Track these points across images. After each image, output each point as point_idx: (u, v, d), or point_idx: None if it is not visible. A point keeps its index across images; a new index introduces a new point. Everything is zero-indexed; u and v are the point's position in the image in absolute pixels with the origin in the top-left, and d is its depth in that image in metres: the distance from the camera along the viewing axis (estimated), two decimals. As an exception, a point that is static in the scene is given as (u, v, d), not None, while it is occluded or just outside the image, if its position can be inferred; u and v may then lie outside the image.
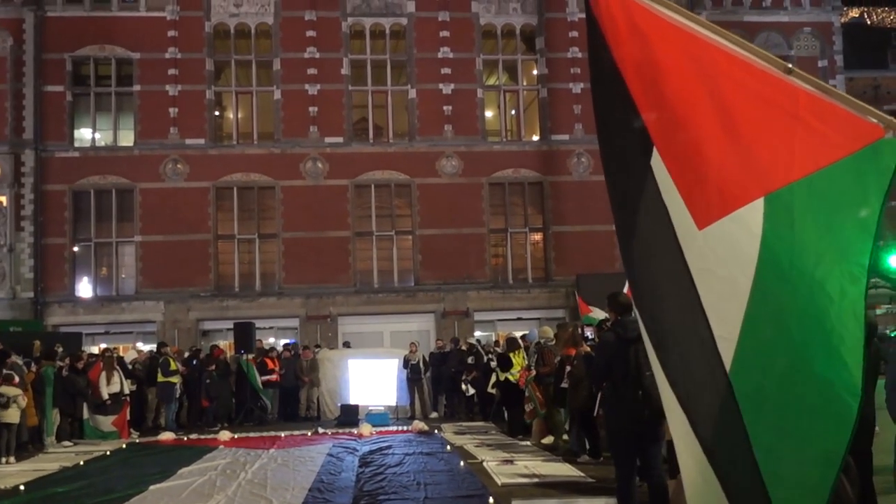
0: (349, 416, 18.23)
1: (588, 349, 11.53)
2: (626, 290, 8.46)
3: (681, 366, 3.30)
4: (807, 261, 2.75)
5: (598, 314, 16.87)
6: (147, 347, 23.56)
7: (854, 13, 38.38)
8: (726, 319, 2.99)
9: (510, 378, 15.79)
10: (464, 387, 19.26)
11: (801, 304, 2.76)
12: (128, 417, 17.48)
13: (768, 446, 2.89)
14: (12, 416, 14.10)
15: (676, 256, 3.22)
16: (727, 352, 3.01)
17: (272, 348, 21.62)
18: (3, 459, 13.86)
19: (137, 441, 16.65)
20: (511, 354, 16.22)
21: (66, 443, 16.25)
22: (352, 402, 18.88)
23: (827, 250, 2.69)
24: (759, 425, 2.91)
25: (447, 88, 27.87)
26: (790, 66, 2.85)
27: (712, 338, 3.07)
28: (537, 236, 28.41)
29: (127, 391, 17.43)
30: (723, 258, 3.02)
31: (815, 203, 2.73)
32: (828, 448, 2.73)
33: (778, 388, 2.85)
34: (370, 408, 18.64)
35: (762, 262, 2.88)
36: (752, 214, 2.92)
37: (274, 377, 20.10)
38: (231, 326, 22.29)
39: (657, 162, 3.27)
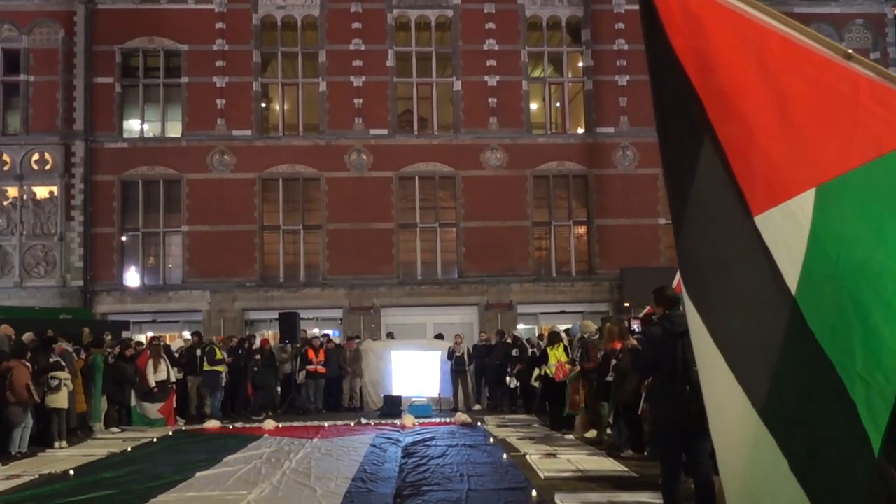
0: (392, 407, 18.24)
1: (634, 343, 11.43)
2: (675, 283, 8.35)
3: (744, 334, 3.19)
4: (856, 256, 2.68)
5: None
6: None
7: (908, 4, 37.54)
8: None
9: (547, 372, 15.75)
10: (508, 380, 19.22)
11: (843, 303, 2.69)
12: (174, 405, 17.70)
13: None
14: (61, 400, 14.37)
15: (744, 229, 3.09)
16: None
17: (314, 337, 21.14)
18: (56, 444, 14.17)
19: (183, 428, 16.87)
20: (549, 348, 16.14)
21: (114, 429, 16.49)
22: (395, 393, 18.91)
23: (881, 243, 2.62)
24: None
25: (492, 80, 27.77)
26: (850, 51, 2.78)
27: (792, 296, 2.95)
28: (581, 229, 28.20)
29: (174, 379, 17.65)
30: (773, 246, 2.97)
31: (874, 191, 2.66)
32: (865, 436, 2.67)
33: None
34: (413, 399, 18.67)
35: (809, 254, 2.82)
36: (802, 206, 2.86)
37: (312, 367, 19.76)
38: (276, 316, 22.44)
39: (710, 148, 3.21)
